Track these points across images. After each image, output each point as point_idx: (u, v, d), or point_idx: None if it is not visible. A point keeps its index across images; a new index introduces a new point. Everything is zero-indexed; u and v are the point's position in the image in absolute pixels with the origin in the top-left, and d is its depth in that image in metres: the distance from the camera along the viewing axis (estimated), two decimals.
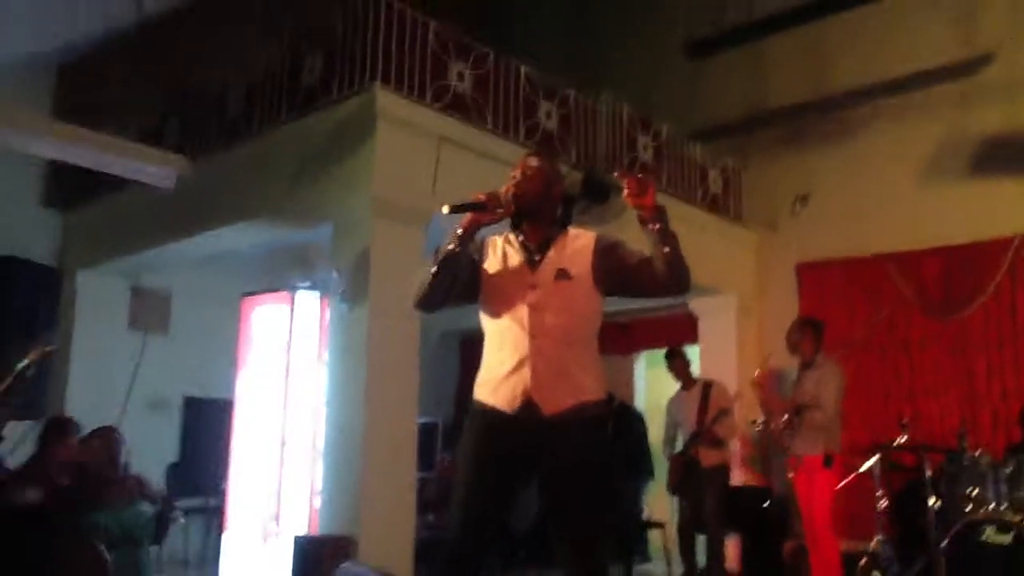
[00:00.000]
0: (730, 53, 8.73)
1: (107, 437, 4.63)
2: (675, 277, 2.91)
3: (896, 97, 8.08)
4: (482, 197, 2.92)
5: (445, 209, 2.90)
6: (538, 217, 3.07)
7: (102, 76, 8.29)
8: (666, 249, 2.85)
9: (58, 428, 4.84)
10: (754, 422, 6.22)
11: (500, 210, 2.95)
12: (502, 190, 2.99)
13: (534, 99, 6.83)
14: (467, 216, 2.91)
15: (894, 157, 8.03)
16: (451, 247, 2.91)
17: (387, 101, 5.77)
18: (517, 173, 3.07)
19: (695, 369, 7.48)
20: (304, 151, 6.23)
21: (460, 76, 6.30)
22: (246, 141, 6.64)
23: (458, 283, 2.98)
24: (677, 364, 7.20)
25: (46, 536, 3.83)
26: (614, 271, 3.01)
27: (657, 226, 2.85)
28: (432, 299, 2.98)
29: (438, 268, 2.91)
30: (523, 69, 6.76)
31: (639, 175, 2.85)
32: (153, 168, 6.62)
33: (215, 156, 6.82)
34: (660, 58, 9.41)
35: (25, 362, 4.33)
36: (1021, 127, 7.41)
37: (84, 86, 8.31)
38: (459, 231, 2.91)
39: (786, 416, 5.89)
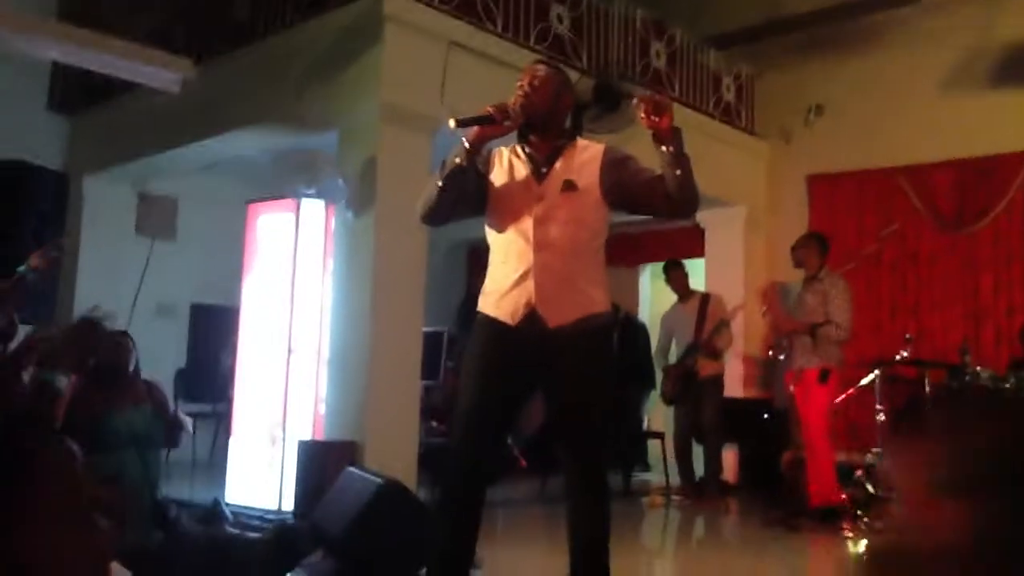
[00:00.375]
0: None
1: (118, 342, 4.65)
2: (684, 200, 2.89)
3: (917, 4, 7.86)
4: (490, 110, 2.86)
5: (452, 123, 2.86)
6: (546, 128, 3.02)
7: None
8: (678, 171, 2.81)
9: (91, 327, 4.91)
10: (772, 349, 6.18)
11: (508, 123, 2.89)
12: (510, 101, 2.92)
13: (545, 2, 6.67)
14: (474, 129, 2.86)
15: (912, 67, 7.86)
16: (458, 161, 2.87)
17: (395, 3, 5.64)
18: (525, 83, 3.00)
19: (701, 282, 7.49)
20: (311, 56, 6.14)
21: None
22: (253, 45, 6.54)
23: (465, 196, 2.96)
24: (675, 275, 7.20)
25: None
26: (622, 186, 2.97)
27: (671, 148, 2.80)
28: (438, 213, 2.97)
29: (444, 183, 2.88)
30: None
31: (656, 97, 2.79)
32: (159, 71, 6.53)
33: (221, 60, 6.73)
34: None
35: (24, 267, 4.33)
36: None
37: None
38: (466, 145, 2.87)
39: (787, 338, 5.91)
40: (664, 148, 2.80)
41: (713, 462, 6.88)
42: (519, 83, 3.01)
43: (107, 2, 7.82)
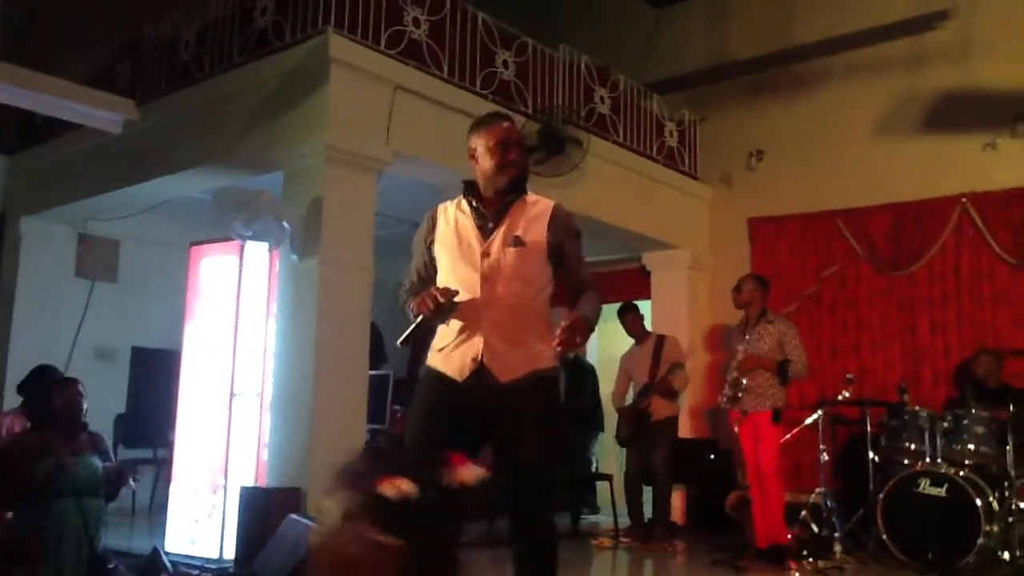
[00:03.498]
0: (693, 1, 8.70)
1: (72, 389, 4.52)
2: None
3: (853, 53, 8.11)
4: (424, 314, 2.86)
5: (398, 344, 2.95)
6: (504, 186, 3.04)
7: (51, 16, 8.02)
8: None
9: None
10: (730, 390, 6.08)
11: (440, 309, 2.88)
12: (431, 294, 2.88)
13: (491, 48, 6.74)
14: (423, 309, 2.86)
15: (849, 113, 8.08)
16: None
17: (340, 46, 5.65)
18: (514, 154, 3.01)
19: (648, 324, 7.55)
20: (256, 97, 6.11)
21: (416, 22, 6.19)
22: (197, 86, 6.49)
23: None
24: (630, 319, 7.26)
25: None
26: (555, 254, 3.01)
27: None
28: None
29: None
30: (480, 16, 6.66)
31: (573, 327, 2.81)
32: (100, 112, 6.45)
33: (166, 100, 6.67)
34: (622, 5, 9.33)
35: None
36: (973, 86, 7.47)
37: (32, 26, 8.04)
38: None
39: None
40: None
41: (662, 504, 6.88)
42: (506, 154, 2.99)
43: (48, 41, 7.73)
